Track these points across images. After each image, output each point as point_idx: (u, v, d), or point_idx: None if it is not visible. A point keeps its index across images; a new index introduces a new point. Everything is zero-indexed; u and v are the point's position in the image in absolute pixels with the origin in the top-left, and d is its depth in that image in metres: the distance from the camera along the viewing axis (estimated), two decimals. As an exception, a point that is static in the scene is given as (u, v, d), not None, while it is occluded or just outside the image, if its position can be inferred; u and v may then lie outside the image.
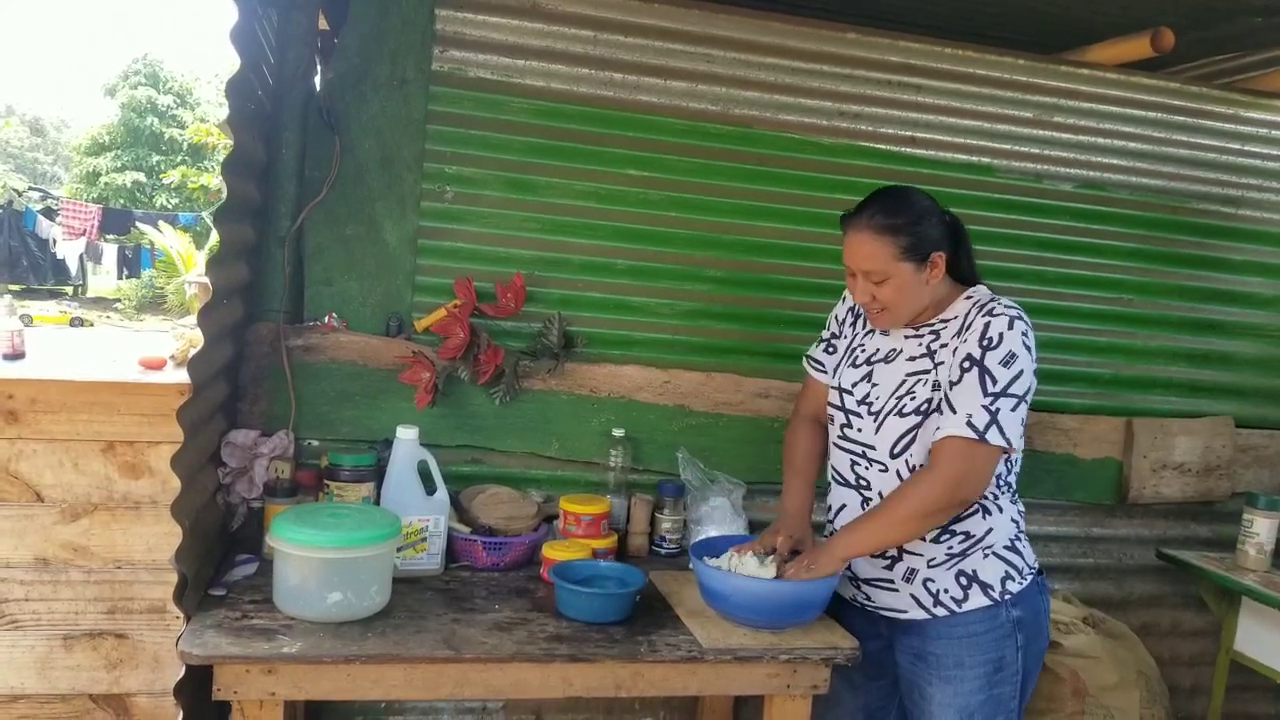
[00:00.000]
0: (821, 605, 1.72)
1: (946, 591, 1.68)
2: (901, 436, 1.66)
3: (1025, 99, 2.43)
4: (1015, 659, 1.69)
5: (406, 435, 1.91)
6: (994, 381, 1.56)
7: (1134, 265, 2.56)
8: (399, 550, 1.80)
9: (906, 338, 1.72)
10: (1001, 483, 1.70)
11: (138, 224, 12.75)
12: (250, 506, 1.99)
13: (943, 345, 1.66)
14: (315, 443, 2.11)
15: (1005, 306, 1.62)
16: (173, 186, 16.19)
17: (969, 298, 1.68)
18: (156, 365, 2.33)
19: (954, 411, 1.58)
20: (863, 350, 1.79)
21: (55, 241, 12.52)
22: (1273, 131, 2.60)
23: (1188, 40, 2.42)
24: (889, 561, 1.72)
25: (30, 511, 2.05)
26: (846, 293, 1.86)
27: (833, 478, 1.82)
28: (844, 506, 1.78)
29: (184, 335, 2.48)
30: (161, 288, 13.05)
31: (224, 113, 1.68)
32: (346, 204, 2.12)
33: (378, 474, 1.95)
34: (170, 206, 16.01)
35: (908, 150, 2.38)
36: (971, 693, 1.67)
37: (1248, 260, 2.64)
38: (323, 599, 1.58)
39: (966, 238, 1.71)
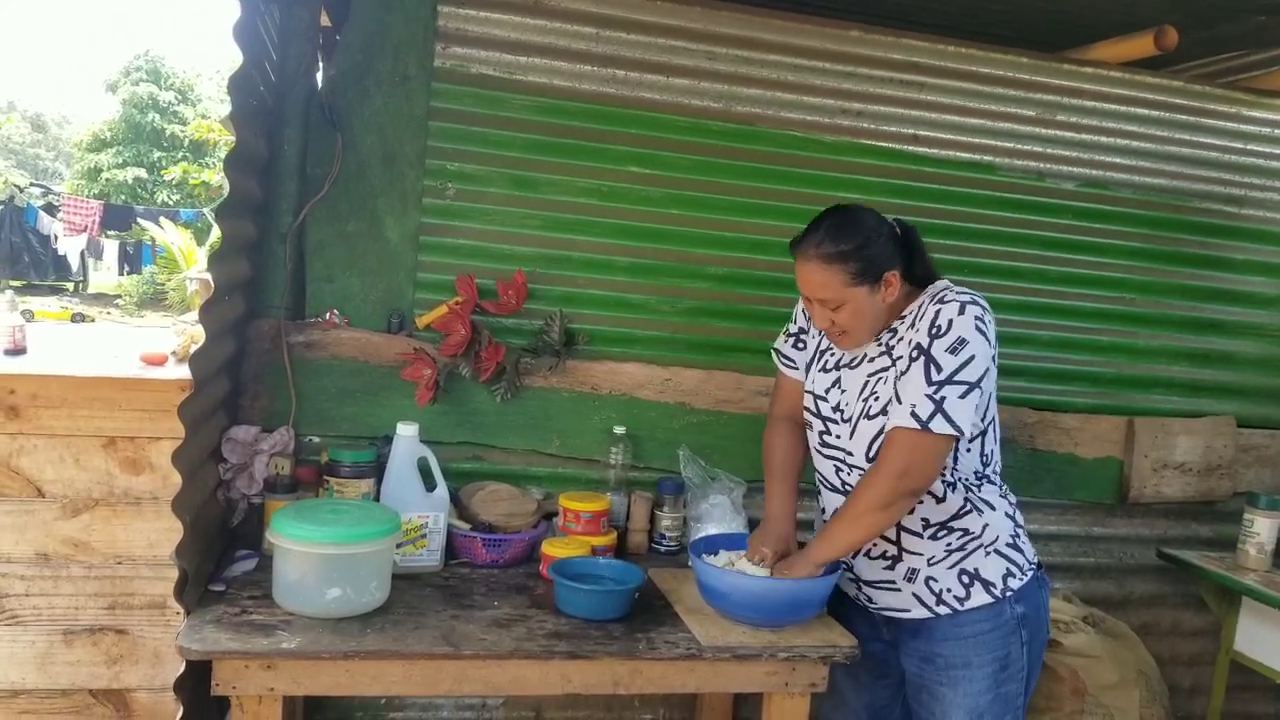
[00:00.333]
0: (820, 604, 1.72)
1: (949, 590, 1.68)
2: (874, 438, 1.66)
3: (1028, 97, 2.42)
4: (1021, 655, 1.69)
5: (407, 432, 1.91)
6: (939, 369, 1.55)
7: (1136, 264, 2.55)
8: (398, 546, 1.80)
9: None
10: (979, 477, 1.70)
11: (139, 220, 12.75)
12: (250, 502, 2.00)
13: (899, 340, 1.66)
14: (316, 439, 2.12)
15: (957, 293, 1.60)
16: (174, 183, 16.20)
17: (925, 293, 1.66)
18: (158, 361, 2.33)
19: (899, 402, 1.58)
20: (831, 354, 1.79)
21: (56, 237, 12.52)
22: (1276, 130, 2.60)
23: (1191, 39, 2.41)
24: (889, 563, 1.72)
25: (31, 507, 2.06)
26: None
27: (820, 483, 1.82)
28: (837, 510, 1.77)
29: (185, 331, 2.48)
30: (163, 284, 13.06)
31: (226, 109, 1.68)
32: (348, 200, 2.12)
33: (378, 470, 1.95)
34: (171, 203, 16.01)
35: (910, 149, 2.37)
36: (980, 693, 1.67)
37: (1250, 259, 2.64)
38: (322, 595, 1.58)
39: (919, 243, 1.69)
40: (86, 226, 12.19)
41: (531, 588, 1.87)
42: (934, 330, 1.57)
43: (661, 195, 2.26)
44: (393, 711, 2.30)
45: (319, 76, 2.15)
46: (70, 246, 12.49)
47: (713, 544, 1.84)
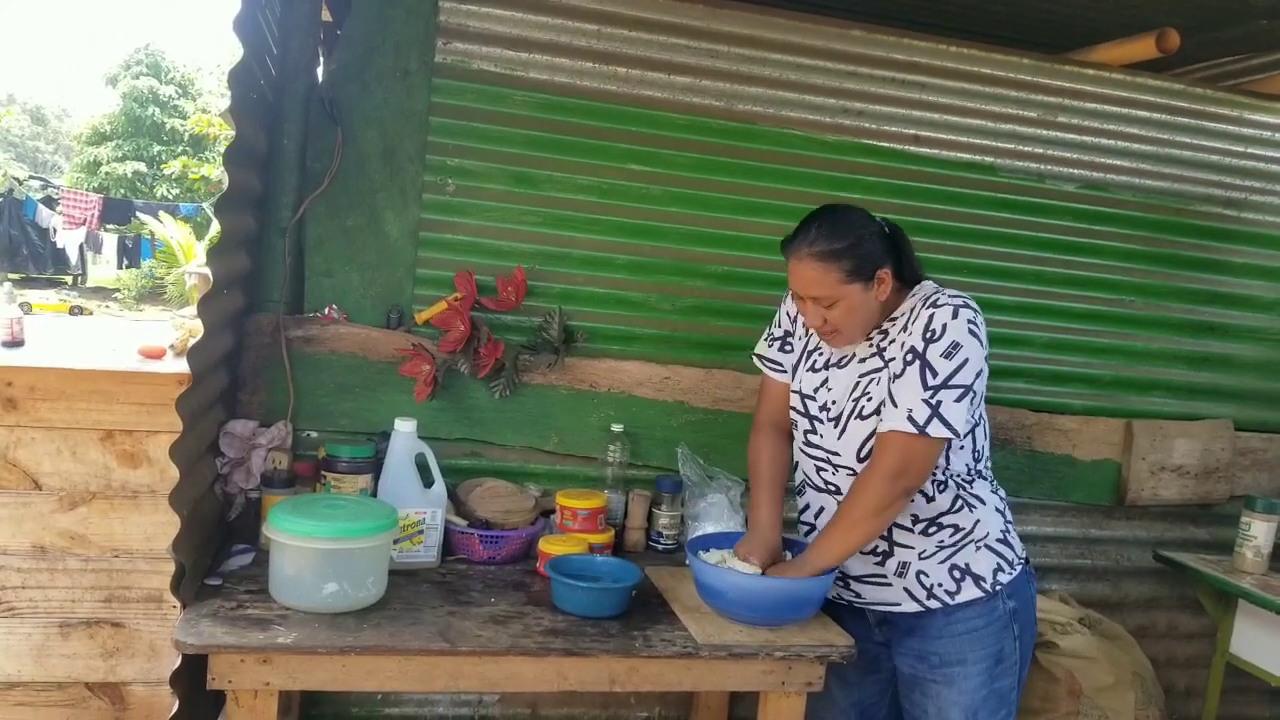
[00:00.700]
0: (818, 603, 1.72)
1: (940, 585, 1.69)
2: (865, 439, 1.66)
3: (1029, 98, 2.42)
4: (1014, 650, 1.70)
5: (405, 428, 1.91)
6: (934, 374, 1.56)
7: (1136, 266, 2.55)
8: (396, 542, 1.80)
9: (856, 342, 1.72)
10: (971, 473, 1.71)
11: (138, 214, 12.74)
12: (248, 497, 1.99)
13: (891, 341, 1.66)
14: (313, 434, 2.11)
15: (950, 297, 1.61)
16: (173, 177, 16.19)
17: (914, 294, 1.68)
18: (156, 354, 2.33)
19: (895, 405, 1.59)
20: (819, 354, 1.79)
21: (55, 231, 12.51)
22: (1276, 135, 2.60)
23: (1193, 42, 2.41)
24: (880, 558, 1.72)
25: (28, 499, 2.05)
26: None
27: (804, 483, 1.82)
28: (822, 509, 1.78)
29: (183, 325, 2.48)
30: (161, 278, 13.05)
31: (226, 103, 1.67)
32: (348, 195, 2.11)
33: (375, 466, 1.95)
34: (171, 197, 16.00)
35: (911, 149, 2.37)
36: (975, 689, 1.68)
37: (1249, 263, 2.64)
38: (319, 590, 1.58)
39: (907, 242, 1.70)
40: (85, 220, 12.18)
41: (528, 585, 1.87)
42: (928, 335, 1.58)
43: (662, 193, 2.26)
44: (388, 707, 2.30)
45: (319, 71, 2.15)
46: (69, 240, 12.49)
47: (710, 542, 1.84)
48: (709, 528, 2.08)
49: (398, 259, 2.15)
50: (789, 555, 1.79)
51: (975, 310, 1.61)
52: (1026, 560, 1.76)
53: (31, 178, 16.47)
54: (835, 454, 1.72)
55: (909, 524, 1.69)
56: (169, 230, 12.28)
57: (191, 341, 1.64)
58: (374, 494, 1.92)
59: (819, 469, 1.76)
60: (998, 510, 1.73)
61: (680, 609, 1.78)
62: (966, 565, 1.68)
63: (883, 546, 1.71)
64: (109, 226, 12.80)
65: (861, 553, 1.73)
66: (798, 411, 1.79)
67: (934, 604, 1.69)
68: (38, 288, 12.45)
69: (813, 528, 1.80)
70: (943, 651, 1.69)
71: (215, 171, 13.69)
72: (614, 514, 2.16)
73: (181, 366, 1.77)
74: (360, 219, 2.12)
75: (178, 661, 1.52)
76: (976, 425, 1.70)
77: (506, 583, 1.87)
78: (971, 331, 1.58)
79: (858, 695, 1.86)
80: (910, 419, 1.56)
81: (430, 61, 2.11)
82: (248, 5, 1.66)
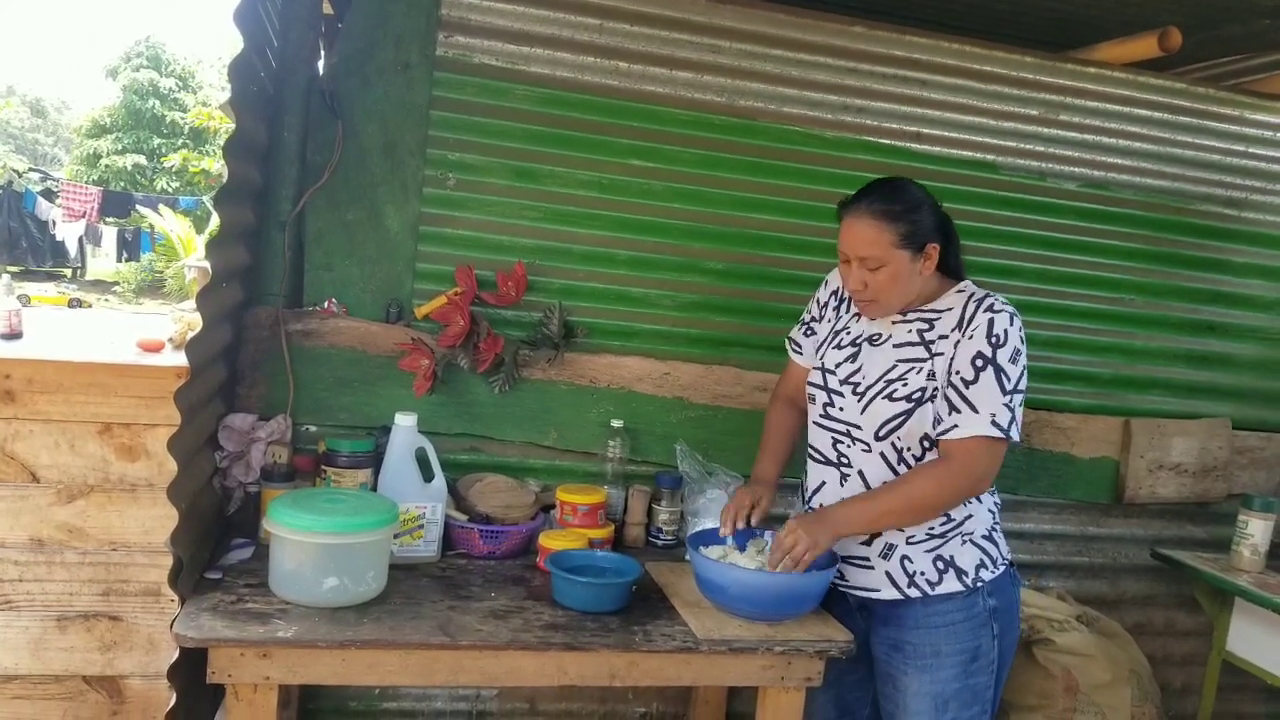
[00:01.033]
0: (818, 598, 1.73)
1: (922, 574, 1.69)
2: (890, 420, 1.67)
3: (1031, 96, 2.42)
4: (991, 648, 1.71)
5: (405, 422, 1.91)
6: (1009, 379, 1.61)
7: (1136, 265, 2.56)
8: (396, 537, 1.80)
9: (894, 323, 1.73)
10: None
11: (138, 207, 12.71)
12: (247, 491, 1.99)
13: (941, 336, 1.67)
14: (313, 428, 2.11)
15: (1002, 303, 1.66)
16: (174, 170, 16.15)
17: (960, 291, 1.70)
18: (154, 348, 2.32)
19: (975, 411, 1.61)
20: (847, 333, 1.80)
21: (55, 223, 12.48)
22: (1277, 134, 2.60)
23: (1195, 40, 2.41)
24: (867, 537, 1.73)
25: (26, 492, 2.05)
26: (829, 277, 1.90)
27: (811, 456, 1.83)
28: (823, 484, 1.78)
29: (182, 318, 2.48)
30: (161, 271, 13.02)
31: (226, 96, 1.67)
32: (348, 189, 2.11)
33: (375, 460, 1.95)
34: (171, 190, 15.97)
35: (912, 146, 2.37)
36: (947, 680, 1.69)
37: (1249, 263, 2.64)
38: (319, 584, 1.58)
39: (956, 234, 1.74)
40: (85, 213, 12.15)
41: (528, 579, 1.87)
42: (993, 340, 1.62)
43: (663, 189, 2.25)
44: (387, 701, 2.30)
45: (320, 63, 2.14)
46: (68, 232, 12.45)
47: (710, 538, 1.84)
48: (708, 523, 2.08)
49: (398, 253, 2.15)
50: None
51: (1020, 319, 1.67)
52: (1011, 563, 1.77)
53: (31, 170, 16.43)
54: (856, 426, 1.72)
55: None
56: (169, 223, 12.26)
57: (190, 335, 1.63)
58: (374, 488, 1.92)
59: (836, 441, 1.76)
60: (990, 509, 1.75)
61: (680, 604, 1.78)
62: (951, 557, 1.70)
63: None
64: (108, 219, 12.77)
65: None
66: (817, 385, 1.80)
67: (914, 593, 1.70)
68: (37, 280, 12.43)
69: (812, 507, 1.80)
70: (918, 642, 1.70)
71: (216, 165, 13.65)
72: (614, 509, 2.16)
73: (180, 360, 1.77)
74: (360, 213, 2.12)
75: (176, 655, 1.52)
76: None
77: (506, 577, 1.87)
78: (1022, 339, 1.65)
79: (838, 691, 1.87)
80: (994, 423, 1.60)
81: (431, 55, 2.10)
82: (249, -3, 1.65)
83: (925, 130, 2.37)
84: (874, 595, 1.74)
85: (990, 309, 1.64)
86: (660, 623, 1.70)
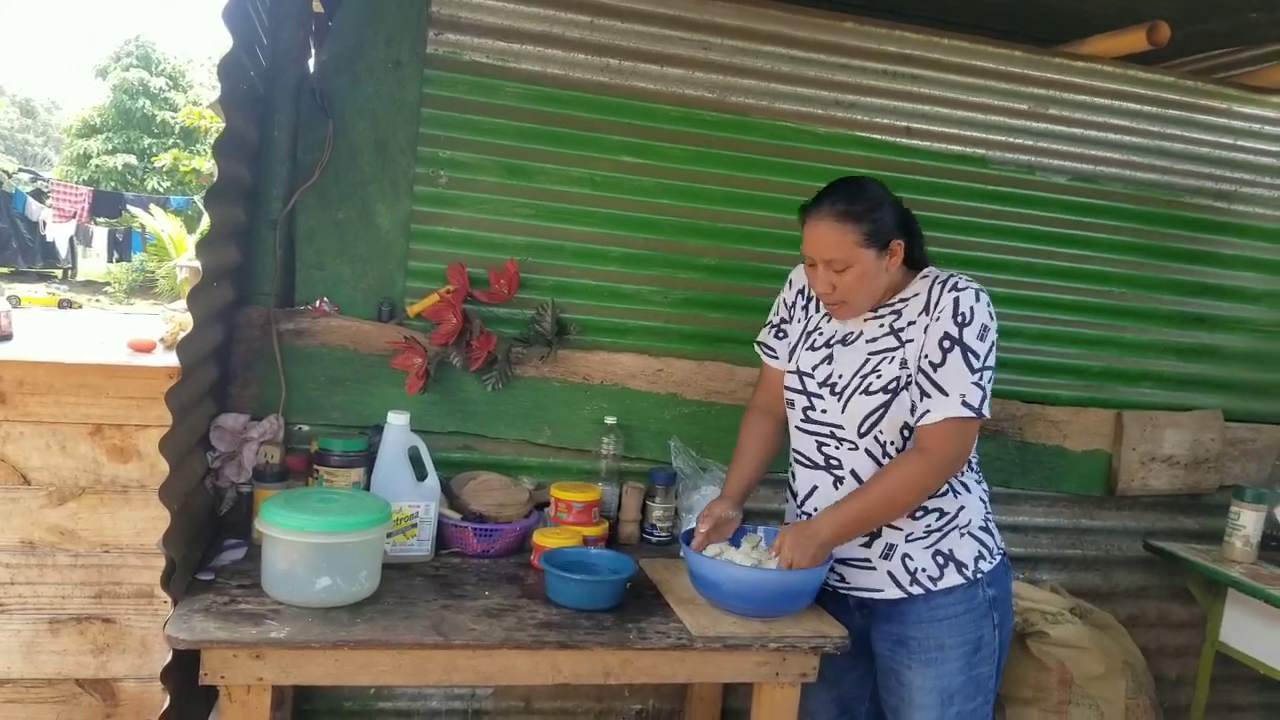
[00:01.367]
0: (812, 594, 1.73)
1: (924, 570, 1.70)
2: (869, 414, 1.68)
3: (1021, 91, 2.42)
4: (993, 638, 1.72)
5: (397, 421, 1.90)
6: (976, 357, 1.61)
7: (1126, 258, 2.56)
8: (389, 536, 1.80)
9: (865, 320, 1.74)
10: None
11: (129, 207, 12.65)
12: (239, 491, 1.99)
13: (909, 323, 1.68)
14: (305, 428, 2.11)
15: (967, 281, 1.66)
16: (164, 170, 16.08)
17: (924, 277, 1.71)
18: (145, 348, 2.31)
19: (944, 393, 1.61)
20: (820, 334, 1.80)
21: (45, 224, 12.41)
22: (1266, 127, 2.61)
23: (1184, 34, 2.41)
24: (867, 539, 1.73)
25: (16, 494, 2.04)
26: (793, 276, 1.89)
27: (797, 461, 1.82)
28: (815, 488, 1.78)
29: (173, 318, 2.47)
30: (152, 271, 12.96)
31: (216, 95, 1.66)
32: (339, 187, 2.10)
33: (368, 459, 1.94)
34: (162, 190, 15.90)
35: (903, 140, 2.37)
36: (952, 674, 1.69)
37: (1238, 255, 2.65)
38: (311, 584, 1.58)
39: (918, 226, 1.75)
40: (75, 213, 12.09)
41: (522, 578, 1.87)
42: (959, 319, 1.62)
43: (654, 185, 2.25)
44: (382, 700, 2.30)
45: (310, 62, 2.13)
46: (59, 233, 12.38)
47: (704, 534, 1.83)
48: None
49: (389, 251, 2.14)
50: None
51: (987, 294, 1.67)
52: (1004, 551, 1.78)
53: (21, 170, 16.33)
54: (839, 427, 1.72)
55: None
56: (160, 223, 12.20)
57: (181, 335, 1.63)
58: (367, 488, 1.91)
59: (820, 444, 1.76)
60: (981, 499, 1.76)
61: (674, 601, 1.78)
62: (950, 551, 1.70)
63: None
64: (99, 220, 12.71)
65: None
66: (795, 390, 1.80)
67: (916, 590, 1.70)
68: (27, 281, 12.36)
69: (805, 512, 1.80)
70: (922, 637, 1.71)
71: (206, 164, 13.59)
72: (608, 506, 2.16)
73: (171, 360, 1.76)
74: (351, 211, 2.11)
75: (169, 657, 1.51)
76: None
77: (500, 576, 1.87)
78: (990, 314, 1.65)
79: (838, 690, 1.87)
80: (965, 403, 1.60)
81: (422, 52, 2.10)
82: (236, -5, 1.64)
83: (916, 125, 2.37)
84: (877, 595, 1.74)
85: (954, 288, 1.64)
86: (655, 620, 1.70)
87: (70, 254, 13.71)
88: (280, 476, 1.91)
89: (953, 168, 2.41)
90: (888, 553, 1.72)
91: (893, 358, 1.67)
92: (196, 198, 12.01)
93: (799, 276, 1.88)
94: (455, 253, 2.16)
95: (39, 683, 2.11)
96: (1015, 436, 2.51)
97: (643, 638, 1.63)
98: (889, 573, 1.72)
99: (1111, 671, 2.23)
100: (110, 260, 13.01)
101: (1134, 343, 2.60)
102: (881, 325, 1.72)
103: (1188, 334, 2.64)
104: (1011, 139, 2.44)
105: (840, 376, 1.73)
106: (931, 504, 1.70)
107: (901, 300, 1.71)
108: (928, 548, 1.70)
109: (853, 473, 1.72)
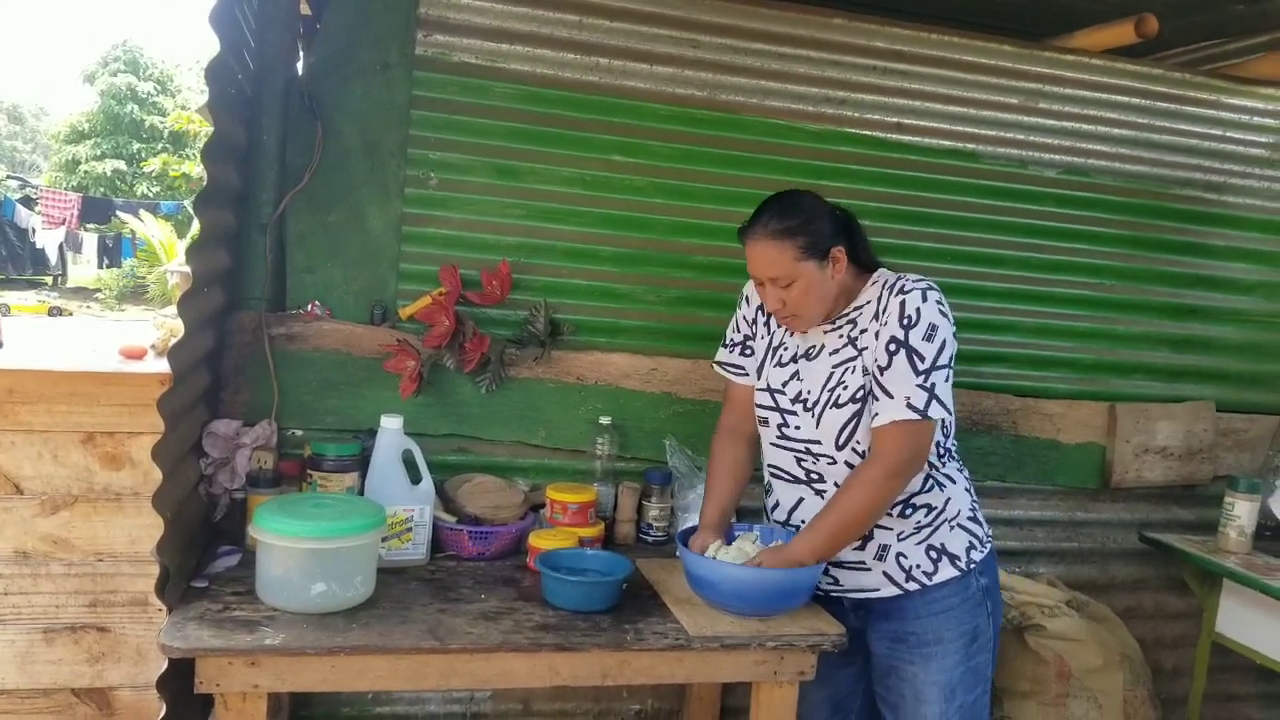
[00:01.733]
0: (808, 592, 1.73)
1: (918, 566, 1.71)
2: (843, 426, 1.68)
3: (1010, 85, 2.42)
4: (988, 627, 1.74)
5: (391, 424, 1.89)
6: (922, 359, 1.60)
7: (1117, 251, 2.57)
8: (384, 540, 1.79)
9: (825, 333, 1.75)
10: (941, 450, 1.73)
11: (118, 213, 12.61)
12: (233, 497, 1.98)
13: (863, 331, 1.69)
14: (298, 432, 2.10)
15: (914, 281, 1.66)
16: (154, 175, 16.01)
17: (875, 282, 1.71)
18: (137, 355, 2.30)
19: (890, 396, 1.61)
20: (785, 349, 1.81)
21: (34, 231, 12.36)
22: (1255, 118, 2.61)
23: (1172, 26, 2.42)
24: (860, 542, 1.73)
25: (9, 504, 2.03)
26: (747, 293, 1.89)
27: (776, 476, 1.82)
28: (801, 500, 1.78)
29: (164, 324, 2.45)
30: (143, 277, 12.92)
31: (204, 99, 1.65)
32: (329, 190, 2.09)
33: (362, 464, 1.94)
34: (151, 195, 15.84)
35: (894, 137, 2.37)
36: (953, 667, 1.70)
37: (1229, 246, 2.66)
38: (306, 590, 1.57)
39: (859, 227, 1.75)
40: (65, 219, 12.04)
41: (519, 580, 1.86)
42: (905, 321, 1.61)
43: (646, 184, 2.25)
44: (379, 706, 2.29)
45: (299, 65, 2.12)
46: (48, 240, 12.34)
47: (700, 534, 1.83)
48: (698, 519, 2.07)
49: (381, 254, 2.13)
50: (780, 540, 1.79)
51: (939, 291, 1.66)
52: (992, 539, 1.80)
53: (9, 177, 16.28)
54: (816, 442, 1.73)
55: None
56: (150, 229, 12.16)
57: (172, 341, 1.62)
58: (361, 492, 1.91)
59: (799, 460, 1.76)
60: (966, 490, 1.77)
61: (671, 601, 1.78)
62: (942, 545, 1.71)
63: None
64: (89, 226, 12.67)
65: None
66: (767, 407, 1.80)
67: (912, 586, 1.71)
68: (17, 289, 12.31)
69: (792, 525, 1.79)
70: (920, 632, 1.71)
71: (196, 169, 13.54)
72: (603, 507, 2.15)
73: (163, 366, 1.75)
74: (342, 214, 2.10)
75: (164, 665, 1.50)
76: None
77: (496, 579, 1.86)
78: (941, 312, 1.63)
79: (831, 690, 1.87)
80: (910, 406, 1.59)
81: (410, 54, 2.09)
82: (223, -1, 1.63)
83: (906, 120, 2.37)
84: (873, 595, 1.75)
85: (900, 290, 1.64)
86: (652, 620, 1.70)
87: (60, 260, 13.68)
88: (274, 482, 1.90)
89: (944, 163, 2.41)
90: (881, 554, 1.72)
91: (854, 367, 1.68)
92: (186, 202, 11.98)
93: (754, 293, 1.87)
94: (447, 254, 2.15)
95: (35, 693, 2.10)
96: (1009, 431, 2.52)
97: (640, 638, 1.63)
98: (884, 573, 1.73)
99: (1109, 663, 2.24)
100: (101, 266, 12.98)
101: (1126, 335, 2.61)
102: (840, 336, 1.72)
103: (1179, 325, 2.65)
104: (1002, 133, 2.44)
105: (810, 392, 1.73)
106: (919, 500, 1.71)
107: (856, 309, 1.71)
108: (920, 543, 1.71)
109: (837, 484, 1.71)
